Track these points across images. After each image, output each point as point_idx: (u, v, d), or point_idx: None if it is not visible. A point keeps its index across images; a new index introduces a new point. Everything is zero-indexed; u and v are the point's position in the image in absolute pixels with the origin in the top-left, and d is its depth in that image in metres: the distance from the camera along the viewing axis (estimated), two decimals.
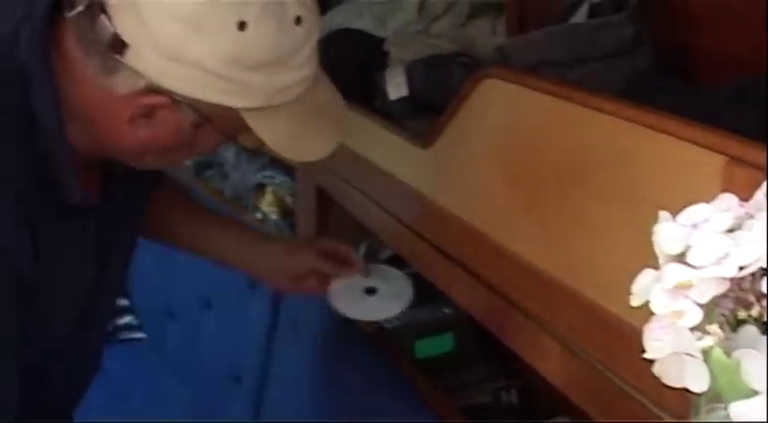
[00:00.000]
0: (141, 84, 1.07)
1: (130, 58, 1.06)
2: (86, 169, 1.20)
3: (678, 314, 0.62)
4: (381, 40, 1.86)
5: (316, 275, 1.65)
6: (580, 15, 1.36)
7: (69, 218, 1.18)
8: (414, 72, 1.53)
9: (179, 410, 2.54)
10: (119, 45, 1.05)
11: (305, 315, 2.11)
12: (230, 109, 1.09)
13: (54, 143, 1.12)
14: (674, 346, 0.62)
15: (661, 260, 0.66)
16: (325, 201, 2.09)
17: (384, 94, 1.58)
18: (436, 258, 1.45)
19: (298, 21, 1.08)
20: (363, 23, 2.00)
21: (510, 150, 1.24)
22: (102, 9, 1.06)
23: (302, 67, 1.11)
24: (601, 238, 1.06)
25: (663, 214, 0.68)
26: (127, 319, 2.83)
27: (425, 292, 1.98)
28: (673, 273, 0.63)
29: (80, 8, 1.08)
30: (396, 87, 1.54)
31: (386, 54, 1.80)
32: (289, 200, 2.50)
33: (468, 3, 2.00)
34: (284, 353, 2.21)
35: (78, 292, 1.27)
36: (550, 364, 1.17)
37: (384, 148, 1.61)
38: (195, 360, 2.61)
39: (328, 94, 1.20)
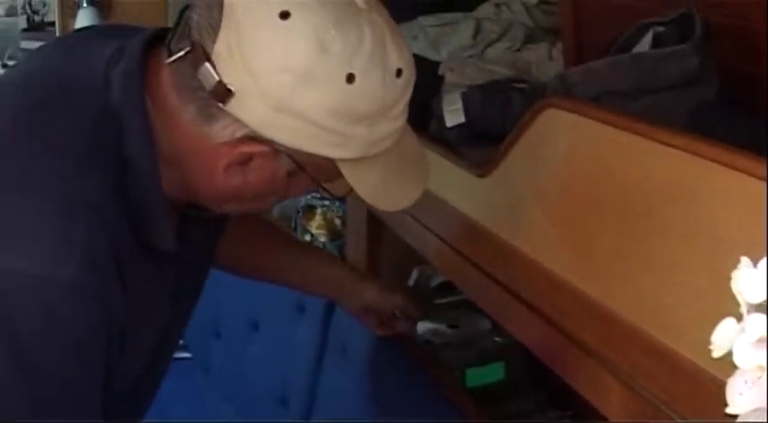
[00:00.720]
0: (242, 132, 1.07)
1: (234, 106, 1.05)
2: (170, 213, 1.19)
3: (762, 368, 0.59)
4: (436, 65, 1.84)
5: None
6: (643, 44, 1.33)
7: (152, 261, 1.16)
8: (471, 98, 1.51)
9: None
10: (223, 93, 1.05)
11: (353, 339, 2.09)
12: (328, 159, 1.10)
13: (147, 187, 1.12)
14: (759, 402, 0.60)
15: (743, 308, 0.64)
16: (375, 225, 2.07)
17: (440, 120, 1.55)
18: (491, 288, 1.42)
19: (399, 73, 1.08)
20: (418, 47, 1.99)
21: (571, 182, 1.21)
22: (207, 56, 1.05)
23: (398, 119, 1.12)
24: (666, 275, 1.03)
25: (744, 260, 0.65)
26: None
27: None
28: (757, 325, 0.60)
29: (180, 54, 1.07)
30: (452, 114, 1.52)
31: (441, 79, 1.78)
32: (338, 222, 2.48)
33: (524, 27, 1.98)
34: (332, 376, 2.19)
35: (153, 336, 1.26)
36: (611, 403, 1.14)
37: (439, 175, 1.58)
38: (241, 381, 2.60)
39: (412, 140, 1.21)
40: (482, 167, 1.43)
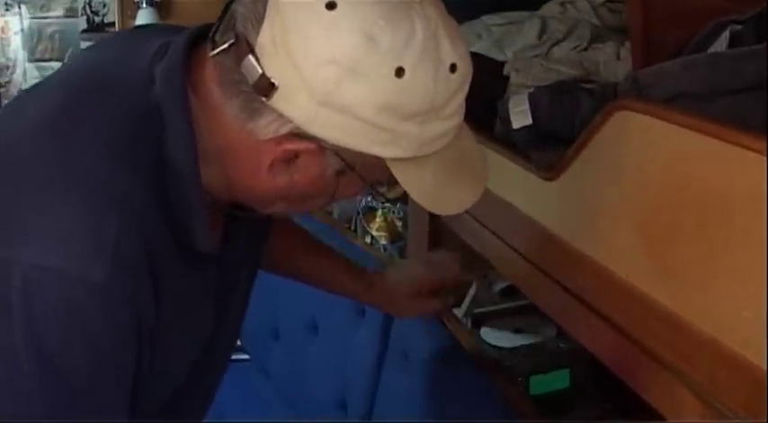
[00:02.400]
0: (287, 128, 1.03)
1: (278, 101, 1.01)
2: (212, 213, 1.15)
3: None
4: (501, 65, 1.80)
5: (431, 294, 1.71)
6: (719, 44, 1.29)
7: (192, 263, 1.13)
8: (538, 100, 1.47)
9: None
10: (267, 87, 1.00)
11: (415, 343, 2.06)
12: (377, 158, 1.04)
13: (186, 185, 1.08)
14: None
15: None
16: (437, 227, 2.04)
17: (506, 121, 1.51)
18: (559, 295, 1.38)
19: (453, 68, 1.02)
20: (482, 46, 1.95)
21: (644, 187, 1.17)
22: (250, 48, 1.01)
23: (452, 117, 1.06)
24: (746, 286, 0.99)
25: None
26: None
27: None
28: None
29: (224, 46, 1.04)
30: (519, 115, 1.48)
31: (505, 79, 1.74)
32: (398, 224, 2.46)
33: (591, 26, 1.94)
34: (392, 381, 2.17)
35: (196, 342, 1.23)
36: (686, 418, 1.10)
37: (505, 177, 1.55)
38: (299, 384, 2.59)
39: (470, 141, 1.14)
40: (550, 171, 1.39)
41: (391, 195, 1.18)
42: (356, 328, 2.29)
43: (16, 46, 4.21)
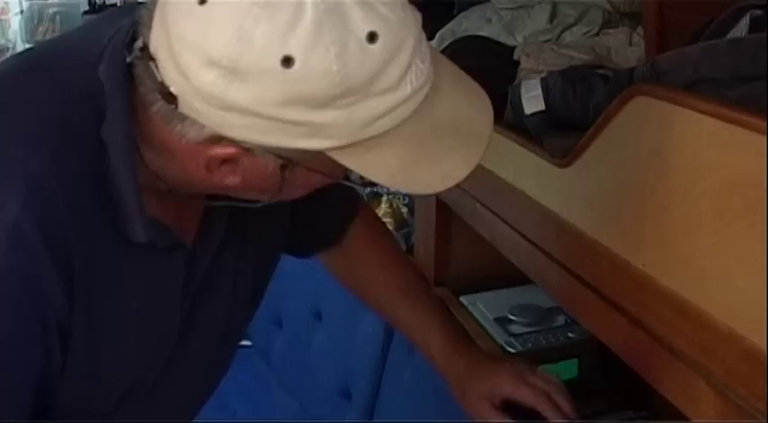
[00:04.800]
0: (205, 133, 0.95)
1: (183, 108, 0.93)
2: (182, 204, 1.10)
3: None
4: (511, 49, 1.77)
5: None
6: (740, 29, 1.25)
7: (144, 256, 1.07)
8: (551, 85, 1.44)
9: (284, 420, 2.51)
10: (169, 96, 0.93)
11: None
12: (311, 151, 0.95)
13: (120, 172, 1.01)
14: None
15: None
16: (444, 213, 2.01)
17: (517, 106, 1.49)
18: (571, 284, 1.36)
19: (371, 38, 0.89)
20: (492, 31, 1.92)
21: (661, 175, 1.14)
22: (151, 56, 0.94)
23: (395, 91, 0.93)
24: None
25: None
26: None
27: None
28: None
29: (136, 53, 0.97)
30: (531, 101, 1.45)
31: (515, 64, 1.71)
32: (404, 211, 2.43)
33: (603, 11, 1.91)
34: (397, 370, 2.14)
35: (158, 338, 1.17)
36: (703, 412, 1.07)
37: (516, 164, 1.52)
38: (303, 371, 2.57)
39: (451, 104, 1.00)
40: (563, 157, 1.36)
41: (358, 182, 1.06)
42: (361, 316, 2.27)
43: (16, 27, 4.18)
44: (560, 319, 1.90)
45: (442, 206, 1.99)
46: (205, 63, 0.89)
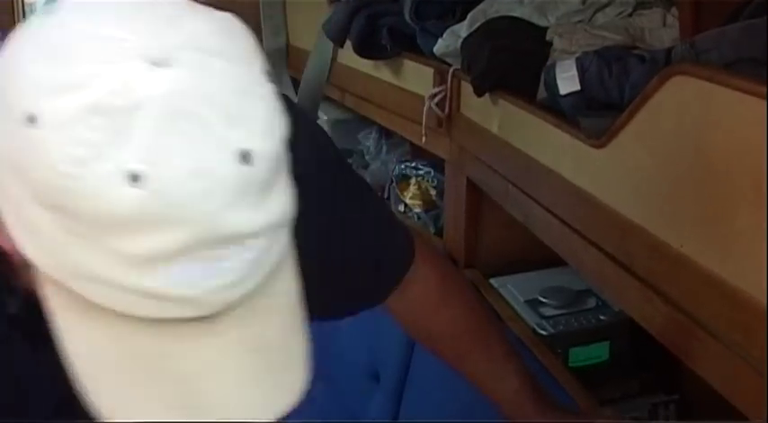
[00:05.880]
0: None
1: None
2: None
3: None
4: (543, 30, 1.76)
5: None
6: None
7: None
8: (586, 65, 1.42)
9: (311, 404, 2.49)
10: None
11: None
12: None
13: None
14: None
15: None
16: (475, 194, 2.00)
17: (551, 87, 1.47)
18: (606, 265, 1.35)
19: (31, 120, 0.68)
20: (523, 12, 1.90)
21: (702, 154, 1.13)
22: None
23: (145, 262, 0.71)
24: None
25: None
26: None
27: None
28: None
29: None
30: (566, 81, 1.44)
31: (548, 45, 1.70)
32: (433, 193, 2.42)
33: None
34: (426, 352, 2.13)
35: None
36: (744, 394, 1.07)
37: (550, 145, 1.51)
38: (331, 353, 2.55)
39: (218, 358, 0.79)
40: (598, 138, 1.35)
41: None
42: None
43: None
44: (591, 302, 1.89)
45: (473, 187, 1.97)
46: None
